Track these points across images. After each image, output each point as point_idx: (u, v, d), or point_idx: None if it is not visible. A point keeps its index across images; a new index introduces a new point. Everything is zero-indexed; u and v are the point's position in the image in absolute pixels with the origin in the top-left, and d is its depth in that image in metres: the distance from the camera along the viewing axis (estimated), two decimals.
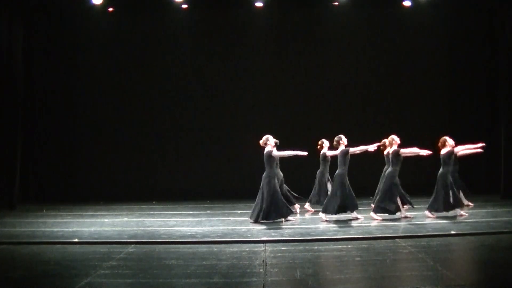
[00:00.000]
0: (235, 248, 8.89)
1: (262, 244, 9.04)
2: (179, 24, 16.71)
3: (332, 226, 10.63)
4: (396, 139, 11.63)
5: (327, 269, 7.38)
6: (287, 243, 9.14)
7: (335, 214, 11.25)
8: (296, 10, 16.77)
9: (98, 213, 13.10)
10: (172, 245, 9.16)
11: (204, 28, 16.87)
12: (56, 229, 10.64)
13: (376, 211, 11.40)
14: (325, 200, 11.51)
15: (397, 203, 11.26)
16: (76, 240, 9.52)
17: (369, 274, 7.18)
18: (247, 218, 11.38)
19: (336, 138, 11.57)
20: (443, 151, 11.56)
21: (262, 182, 11.17)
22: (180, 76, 16.93)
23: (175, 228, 10.64)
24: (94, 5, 15.19)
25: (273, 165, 11.22)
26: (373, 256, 8.21)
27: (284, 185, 12.33)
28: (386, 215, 11.35)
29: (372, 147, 11.77)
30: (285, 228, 10.42)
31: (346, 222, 11.10)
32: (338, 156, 11.40)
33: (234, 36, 16.92)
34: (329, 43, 16.90)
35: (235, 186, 15.79)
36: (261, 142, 11.28)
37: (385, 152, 12.03)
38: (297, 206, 12.50)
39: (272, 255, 8.27)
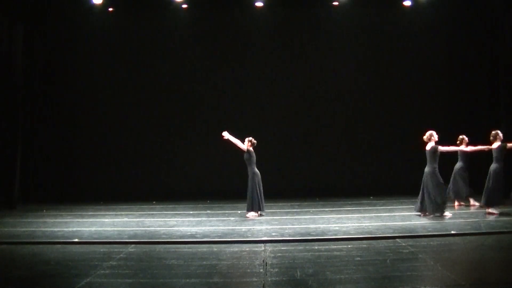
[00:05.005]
0: (235, 248, 8.90)
1: (262, 244, 9.04)
2: (179, 24, 16.71)
3: (333, 226, 10.63)
4: None
5: (327, 269, 7.37)
6: (287, 243, 9.14)
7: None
8: (296, 10, 16.78)
9: (98, 213, 13.11)
10: (172, 245, 9.16)
11: (204, 28, 16.87)
12: (56, 229, 10.64)
13: None
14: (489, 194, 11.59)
15: None
16: (76, 240, 9.52)
17: (369, 274, 7.18)
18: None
19: (493, 133, 11.78)
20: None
21: (425, 176, 11.45)
22: (180, 76, 16.91)
23: (175, 228, 10.64)
24: (94, 5, 15.20)
25: (436, 159, 11.43)
26: (373, 256, 8.21)
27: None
28: None
29: None
30: (285, 228, 10.42)
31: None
32: (495, 151, 11.62)
33: (234, 36, 16.91)
34: (329, 43, 16.89)
35: (235, 186, 15.76)
36: (424, 137, 11.56)
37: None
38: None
39: (272, 255, 8.27)
